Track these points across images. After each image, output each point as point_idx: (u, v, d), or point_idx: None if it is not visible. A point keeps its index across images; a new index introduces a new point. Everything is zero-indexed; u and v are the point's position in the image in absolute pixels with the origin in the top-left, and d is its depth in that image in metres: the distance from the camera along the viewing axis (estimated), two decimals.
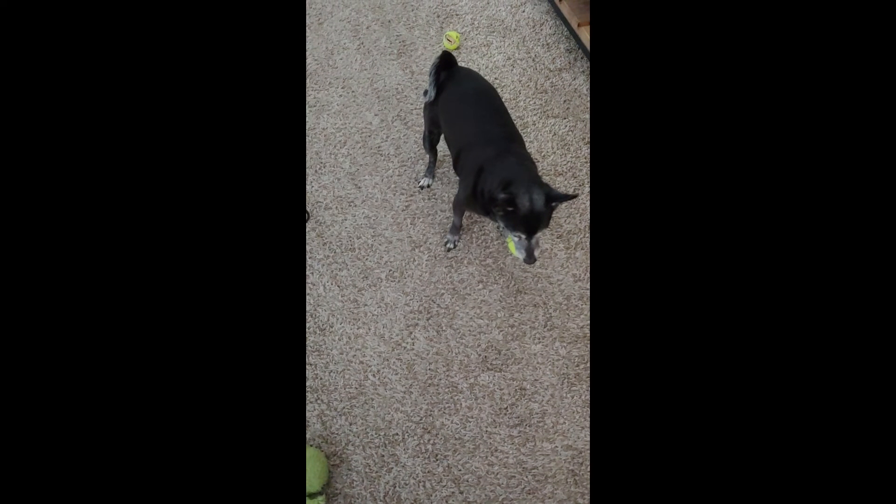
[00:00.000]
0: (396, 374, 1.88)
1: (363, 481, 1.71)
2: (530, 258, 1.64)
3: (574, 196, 1.59)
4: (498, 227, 2.14)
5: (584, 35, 2.39)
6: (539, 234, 1.63)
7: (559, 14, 2.59)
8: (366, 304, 2.01)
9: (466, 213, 2.07)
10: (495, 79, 2.53)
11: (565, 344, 1.93)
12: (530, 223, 1.58)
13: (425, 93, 1.93)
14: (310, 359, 1.91)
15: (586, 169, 2.29)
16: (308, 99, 2.48)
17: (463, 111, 1.85)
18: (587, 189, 2.25)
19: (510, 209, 1.56)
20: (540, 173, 1.78)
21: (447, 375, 1.88)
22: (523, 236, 1.61)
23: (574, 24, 2.45)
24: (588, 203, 2.22)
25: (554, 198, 1.57)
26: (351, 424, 1.80)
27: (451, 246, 2.11)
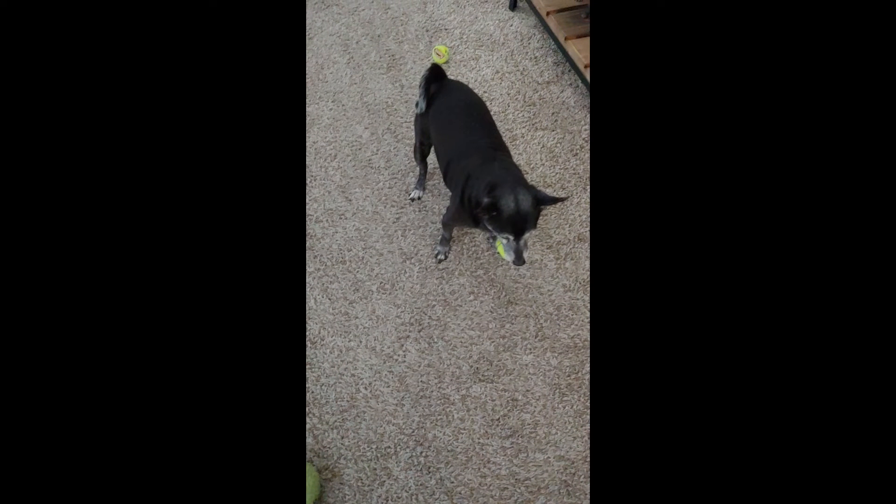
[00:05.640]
0: (388, 386, 1.87)
1: (355, 495, 1.70)
2: (519, 259, 1.66)
3: (563, 199, 1.61)
4: (487, 239, 2.15)
5: (572, 48, 2.43)
6: (527, 236, 1.64)
7: (546, 28, 2.63)
8: (357, 317, 2.00)
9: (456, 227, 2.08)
10: (484, 92, 2.56)
11: (556, 354, 1.93)
12: (517, 224, 1.60)
13: (416, 105, 1.95)
14: None
15: (575, 180, 2.32)
16: None
17: (452, 123, 1.87)
18: (576, 200, 2.27)
19: (494, 213, 1.58)
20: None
21: (439, 387, 1.87)
22: (511, 238, 1.63)
23: (561, 38, 2.49)
24: (577, 214, 2.24)
25: (541, 199, 1.60)
26: (343, 438, 1.79)
27: (442, 257, 2.11)
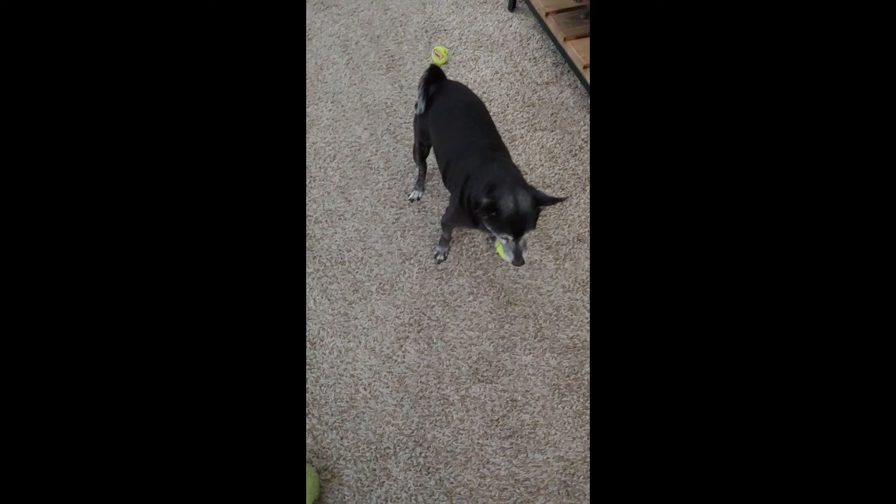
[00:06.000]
0: (387, 387, 1.87)
1: (355, 496, 1.70)
2: (518, 260, 1.66)
3: (561, 199, 1.61)
4: (487, 239, 2.15)
5: (571, 49, 2.43)
6: (526, 236, 1.65)
7: (545, 29, 2.63)
8: (356, 318, 2.00)
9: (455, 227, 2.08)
10: (483, 93, 2.56)
11: (556, 355, 1.93)
12: (516, 224, 1.60)
13: (416, 105, 1.95)
14: None
15: (574, 181, 2.32)
16: None
17: (451, 124, 1.87)
18: (575, 200, 2.27)
19: (493, 213, 1.58)
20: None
21: (438, 388, 1.87)
22: (510, 238, 1.64)
23: (560, 39, 2.49)
24: (576, 215, 2.24)
25: (540, 200, 1.60)
26: (342, 438, 1.79)
27: (442, 258, 2.11)
